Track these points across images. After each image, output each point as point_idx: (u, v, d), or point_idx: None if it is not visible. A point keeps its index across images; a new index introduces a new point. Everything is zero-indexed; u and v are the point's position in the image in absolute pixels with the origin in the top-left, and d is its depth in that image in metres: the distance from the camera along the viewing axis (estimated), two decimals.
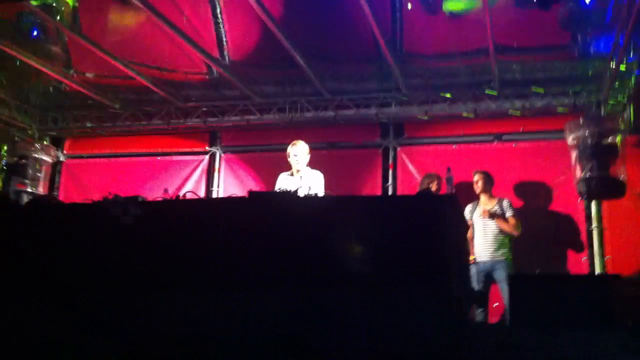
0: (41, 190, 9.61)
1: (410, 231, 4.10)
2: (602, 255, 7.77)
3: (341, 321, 3.94)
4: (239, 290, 4.20)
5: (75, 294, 4.47)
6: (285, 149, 6.67)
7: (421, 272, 3.98)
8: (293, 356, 3.89)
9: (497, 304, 7.14)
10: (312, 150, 6.75)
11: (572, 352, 3.76)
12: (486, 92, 8.25)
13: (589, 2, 6.82)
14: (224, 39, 8.26)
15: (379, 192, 8.73)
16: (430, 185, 7.34)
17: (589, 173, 7.42)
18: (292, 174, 6.64)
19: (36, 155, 9.61)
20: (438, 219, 4.17)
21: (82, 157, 10.32)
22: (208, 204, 5.59)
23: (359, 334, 3.93)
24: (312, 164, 6.73)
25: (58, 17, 7.57)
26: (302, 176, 6.55)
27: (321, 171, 6.61)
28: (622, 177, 7.43)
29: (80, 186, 9.83)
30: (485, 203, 7.25)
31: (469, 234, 7.10)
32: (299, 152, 6.62)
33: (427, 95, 8.48)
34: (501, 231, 7.04)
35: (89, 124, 9.80)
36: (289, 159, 6.65)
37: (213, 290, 4.26)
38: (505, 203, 7.18)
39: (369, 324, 3.93)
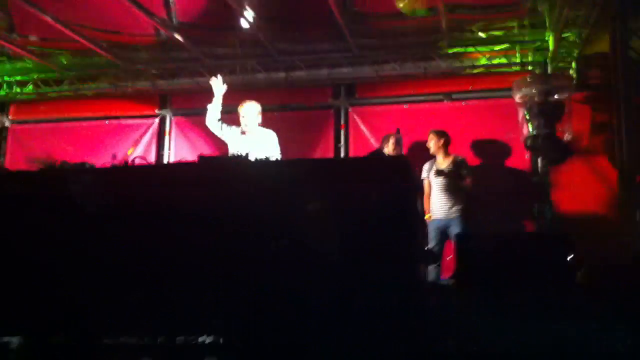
0: None
1: (361, 194, 4.11)
2: (551, 212, 7.93)
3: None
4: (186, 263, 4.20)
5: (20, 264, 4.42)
6: (237, 111, 6.61)
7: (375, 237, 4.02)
8: None
9: (450, 256, 7.23)
10: (264, 112, 6.71)
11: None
12: (436, 51, 8.27)
13: None
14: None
15: (331, 153, 8.75)
16: (385, 146, 7.32)
17: (535, 131, 7.55)
18: (243, 132, 6.54)
19: None
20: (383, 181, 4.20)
21: (28, 122, 10.07)
22: (157, 170, 5.50)
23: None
24: (265, 125, 6.68)
25: None
26: (254, 136, 6.47)
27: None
28: (568, 135, 7.58)
29: (27, 152, 9.58)
30: (441, 162, 7.31)
31: (425, 192, 7.20)
32: (246, 112, 6.52)
33: (377, 55, 8.47)
34: (456, 189, 7.13)
35: (33, 89, 9.55)
36: (240, 120, 6.58)
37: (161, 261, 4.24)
38: (459, 161, 7.25)
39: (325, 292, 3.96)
